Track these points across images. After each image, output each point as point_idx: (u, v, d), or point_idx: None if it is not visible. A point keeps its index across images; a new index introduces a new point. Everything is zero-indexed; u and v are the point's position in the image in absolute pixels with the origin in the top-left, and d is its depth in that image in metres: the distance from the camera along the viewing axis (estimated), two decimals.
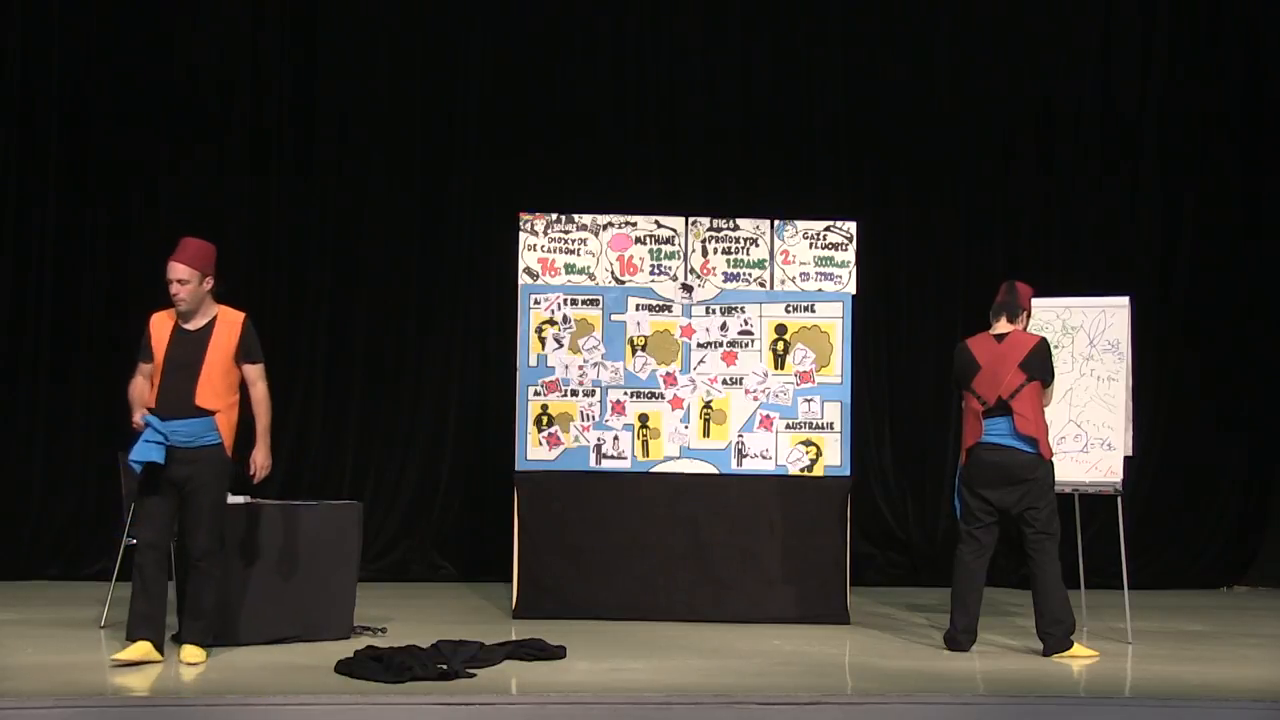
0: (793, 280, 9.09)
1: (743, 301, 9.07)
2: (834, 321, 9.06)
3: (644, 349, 9.04)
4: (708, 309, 9.08)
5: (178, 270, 6.94)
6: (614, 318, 9.06)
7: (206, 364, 6.93)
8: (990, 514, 7.73)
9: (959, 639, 7.72)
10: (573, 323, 9.02)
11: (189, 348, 6.95)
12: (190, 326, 6.99)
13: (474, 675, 6.53)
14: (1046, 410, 7.78)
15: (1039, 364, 7.70)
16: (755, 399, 9.01)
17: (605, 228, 9.11)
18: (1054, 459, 7.77)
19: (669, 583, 8.87)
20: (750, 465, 8.98)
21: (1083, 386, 8.54)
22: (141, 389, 7.02)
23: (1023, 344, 7.73)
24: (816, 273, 9.11)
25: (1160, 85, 11.62)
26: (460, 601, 9.65)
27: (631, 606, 8.77)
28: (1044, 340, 7.82)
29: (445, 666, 6.55)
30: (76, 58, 10.70)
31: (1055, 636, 7.60)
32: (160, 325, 7.03)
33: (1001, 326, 7.83)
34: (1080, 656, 7.57)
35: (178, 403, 6.88)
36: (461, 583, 10.70)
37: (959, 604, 7.75)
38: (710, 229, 9.13)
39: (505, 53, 11.24)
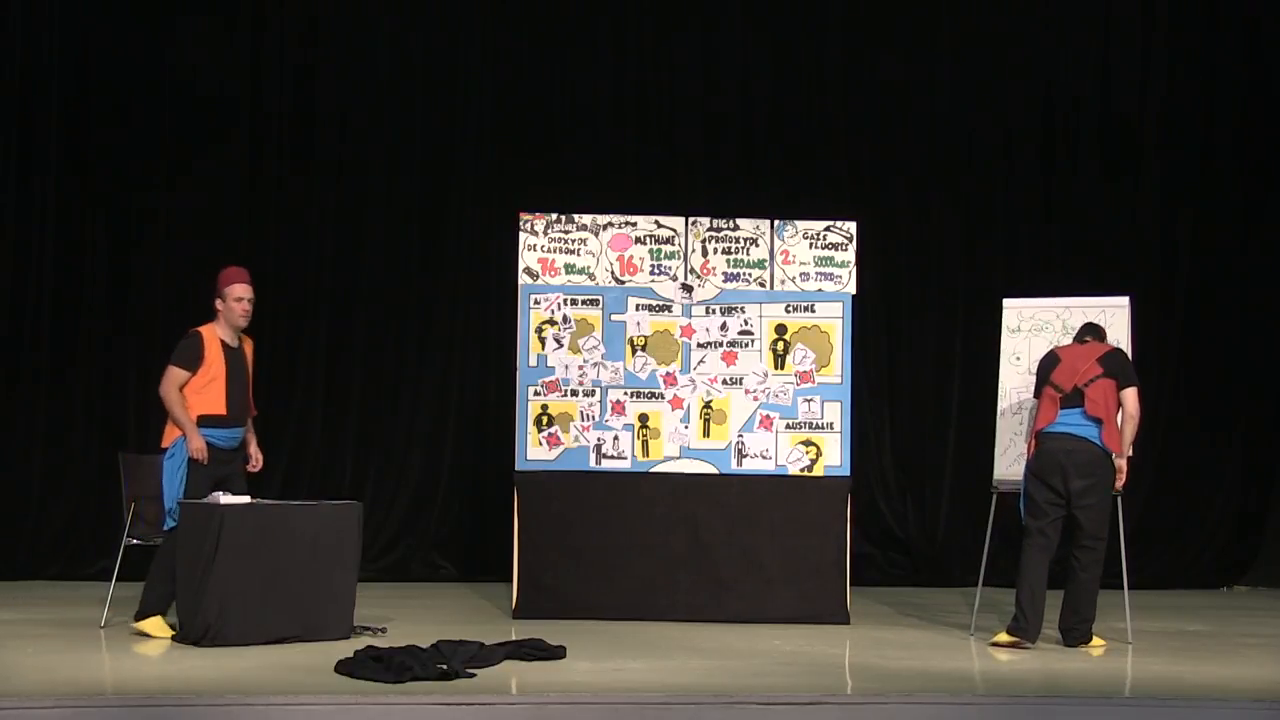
0: (793, 280, 9.08)
1: (743, 301, 9.07)
2: (834, 321, 9.05)
3: (644, 349, 9.03)
4: (708, 309, 9.07)
5: (250, 290, 7.88)
6: (614, 318, 9.05)
7: (250, 376, 8.00)
8: (1057, 505, 7.89)
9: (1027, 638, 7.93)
10: (573, 323, 9.02)
11: (237, 361, 7.88)
12: (232, 342, 7.90)
13: (474, 675, 6.53)
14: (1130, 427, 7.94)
15: (1117, 364, 7.95)
16: (755, 399, 9.01)
17: (605, 228, 9.10)
18: (1122, 463, 7.93)
19: (669, 583, 8.87)
20: (750, 465, 8.97)
21: None
22: (188, 405, 7.74)
23: (1103, 348, 8.05)
24: (816, 273, 9.10)
25: (1160, 85, 11.62)
26: (460, 601, 9.65)
27: (631, 606, 8.76)
28: (1123, 350, 8.12)
29: (445, 666, 6.54)
30: (76, 57, 10.69)
31: (1079, 632, 7.91)
32: (212, 340, 7.83)
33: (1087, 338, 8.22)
34: (1096, 646, 7.90)
35: (241, 412, 7.90)
36: (461, 583, 10.70)
37: (1023, 605, 7.86)
38: (710, 229, 9.12)
39: (505, 53, 11.24)
